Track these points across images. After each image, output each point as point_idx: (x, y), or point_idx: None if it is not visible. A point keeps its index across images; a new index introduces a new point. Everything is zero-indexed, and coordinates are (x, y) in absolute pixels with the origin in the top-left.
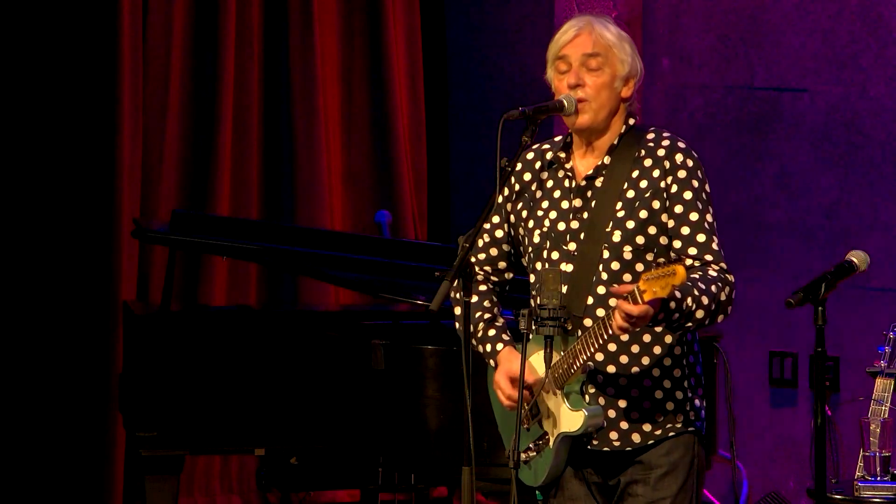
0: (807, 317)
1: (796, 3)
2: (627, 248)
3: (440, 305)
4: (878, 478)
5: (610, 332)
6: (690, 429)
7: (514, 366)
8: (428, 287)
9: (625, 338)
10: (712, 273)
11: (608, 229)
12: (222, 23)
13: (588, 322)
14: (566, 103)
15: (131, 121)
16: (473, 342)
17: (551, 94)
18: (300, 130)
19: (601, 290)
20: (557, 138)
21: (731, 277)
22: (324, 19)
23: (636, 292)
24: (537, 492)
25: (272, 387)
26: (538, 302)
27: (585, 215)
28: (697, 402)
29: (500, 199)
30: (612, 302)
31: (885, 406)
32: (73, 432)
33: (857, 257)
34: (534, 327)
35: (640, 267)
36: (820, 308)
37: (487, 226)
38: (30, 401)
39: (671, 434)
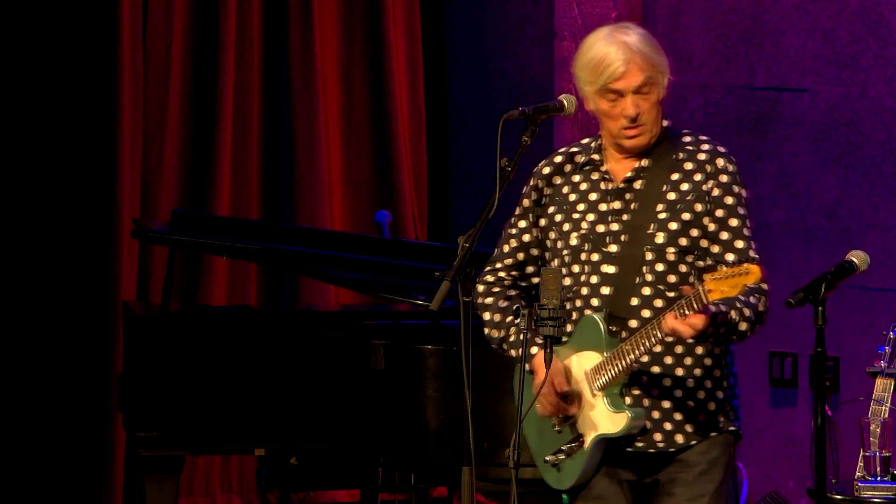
0: (807, 317)
1: (796, 3)
2: (671, 250)
3: (440, 305)
4: (878, 478)
5: (660, 335)
6: (731, 428)
7: (551, 370)
8: (428, 287)
9: (669, 339)
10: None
11: (651, 231)
12: (222, 23)
13: (633, 323)
14: (566, 103)
15: (131, 121)
16: (504, 346)
17: (552, 95)
18: (300, 130)
19: (646, 291)
20: (585, 140)
21: (765, 286)
22: (324, 19)
23: (701, 292)
24: (564, 495)
25: (272, 387)
26: (541, 302)
27: (626, 217)
28: (735, 402)
29: (526, 204)
30: (658, 303)
31: (885, 406)
32: (73, 432)
33: (857, 257)
34: (557, 328)
35: (683, 268)
36: (820, 308)
37: (514, 231)
38: (30, 401)
39: (712, 434)
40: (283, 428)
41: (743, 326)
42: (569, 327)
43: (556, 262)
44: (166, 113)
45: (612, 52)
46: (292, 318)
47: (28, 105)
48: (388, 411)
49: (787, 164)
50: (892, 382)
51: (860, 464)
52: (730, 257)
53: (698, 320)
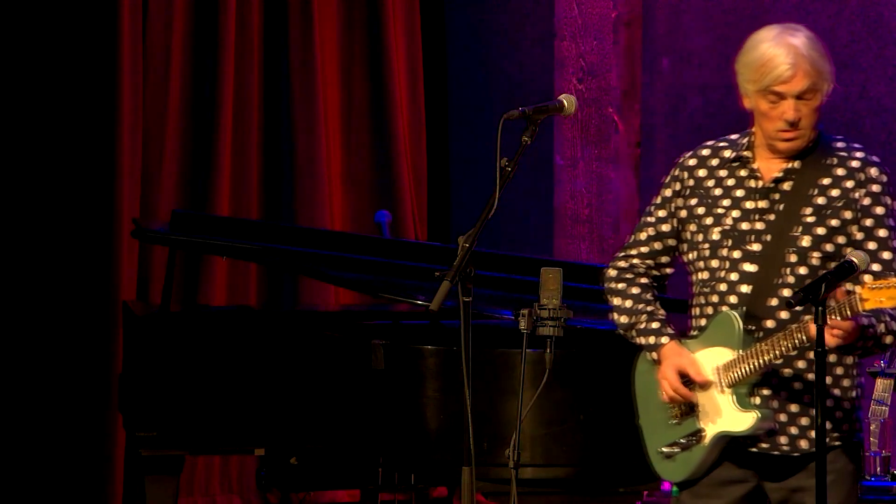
0: None
1: (796, 3)
2: (815, 254)
3: (440, 305)
4: (878, 478)
5: (804, 338)
6: (854, 440)
7: (685, 360)
8: (428, 287)
9: (808, 344)
10: None
11: (796, 233)
12: (222, 23)
13: (770, 324)
14: (566, 103)
15: (131, 121)
16: (633, 333)
17: (552, 95)
18: (300, 130)
19: (785, 292)
20: (734, 136)
21: None
22: (324, 19)
23: (856, 300)
24: (674, 487)
25: (272, 387)
26: (541, 302)
27: (772, 217)
28: (860, 413)
29: (667, 194)
30: (798, 306)
31: (885, 406)
32: (73, 432)
33: (857, 257)
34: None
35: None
36: (820, 308)
37: (651, 219)
38: (30, 401)
39: (837, 444)
40: (283, 428)
41: (888, 340)
42: (703, 321)
43: (693, 255)
44: (166, 113)
45: (780, 55)
46: (292, 318)
47: (28, 105)
48: (387, 411)
49: None
50: (892, 382)
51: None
52: (875, 268)
53: (847, 329)
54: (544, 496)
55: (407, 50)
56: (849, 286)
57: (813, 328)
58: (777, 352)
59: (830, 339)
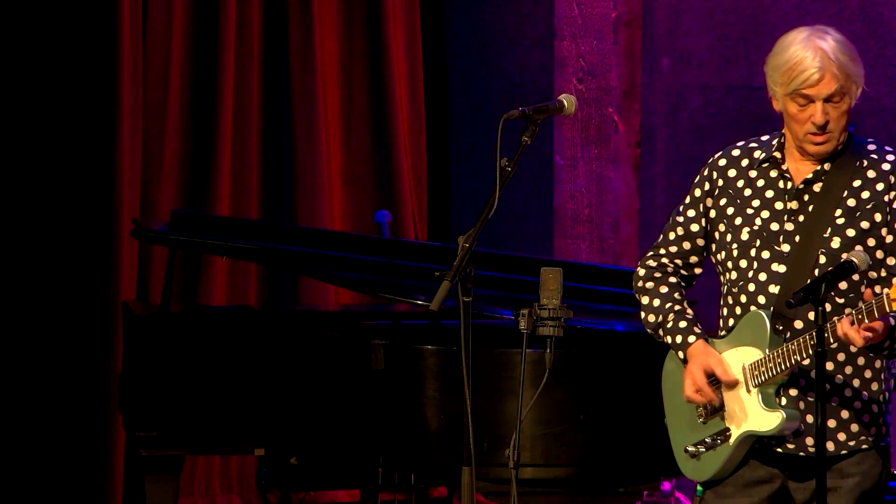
0: None
1: (796, 3)
2: (845, 256)
3: (440, 305)
4: None
5: (831, 339)
6: (882, 444)
7: (712, 360)
8: (428, 287)
9: (834, 345)
10: None
11: (826, 235)
12: (222, 23)
13: (798, 325)
14: (566, 103)
15: (131, 121)
16: (661, 332)
17: (552, 95)
18: (300, 130)
19: None
20: (765, 137)
21: None
22: (324, 19)
23: (885, 299)
24: (699, 486)
25: (272, 387)
26: (541, 302)
27: (802, 218)
28: (888, 417)
29: (697, 193)
30: (826, 307)
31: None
32: (74, 432)
33: (857, 257)
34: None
35: (854, 276)
36: (820, 308)
37: (681, 219)
38: (30, 401)
39: (864, 447)
40: (283, 428)
41: None
42: (731, 321)
43: (722, 255)
44: (166, 113)
45: (808, 58)
46: (292, 318)
47: (28, 105)
48: (388, 411)
49: None
50: (893, 382)
51: None
52: None
53: (875, 329)
54: (544, 496)
55: (407, 50)
56: (877, 287)
57: (840, 328)
58: (806, 353)
59: (860, 340)
